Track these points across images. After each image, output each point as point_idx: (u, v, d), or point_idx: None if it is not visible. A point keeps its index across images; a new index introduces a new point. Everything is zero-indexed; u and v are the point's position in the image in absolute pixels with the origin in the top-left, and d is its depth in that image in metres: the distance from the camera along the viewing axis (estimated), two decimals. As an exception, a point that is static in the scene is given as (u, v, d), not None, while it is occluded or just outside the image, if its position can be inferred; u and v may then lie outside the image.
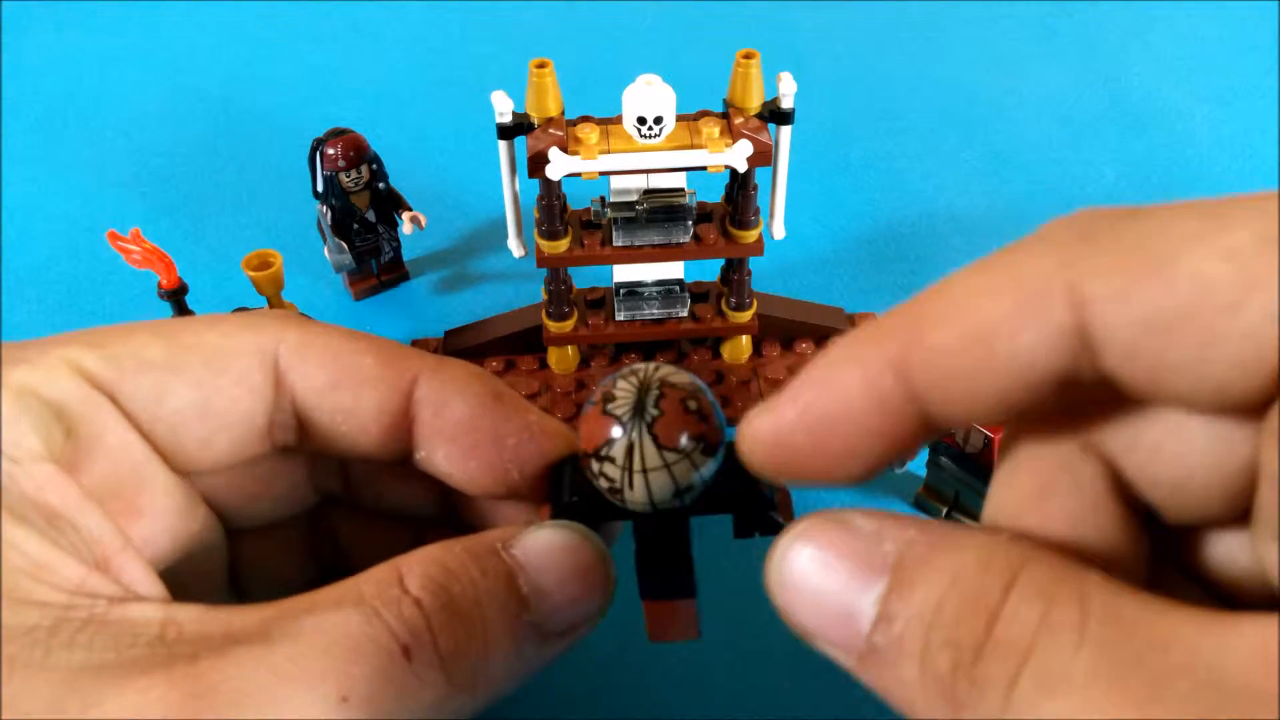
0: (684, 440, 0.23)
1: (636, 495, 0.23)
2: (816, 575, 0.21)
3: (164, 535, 0.25)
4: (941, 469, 0.41)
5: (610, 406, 0.23)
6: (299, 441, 0.27)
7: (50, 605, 0.20)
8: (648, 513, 0.24)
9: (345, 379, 0.26)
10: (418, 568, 0.22)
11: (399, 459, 0.27)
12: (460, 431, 0.26)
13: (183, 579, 0.25)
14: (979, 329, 0.20)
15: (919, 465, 0.42)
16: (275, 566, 0.30)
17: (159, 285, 0.43)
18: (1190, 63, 0.71)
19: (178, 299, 0.44)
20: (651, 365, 0.24)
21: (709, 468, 0.24)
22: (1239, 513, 0.20)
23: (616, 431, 0.23)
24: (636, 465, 0.23)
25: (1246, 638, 0.16)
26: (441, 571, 0.22)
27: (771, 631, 0.39)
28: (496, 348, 0.49)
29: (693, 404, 0.23)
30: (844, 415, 0.21)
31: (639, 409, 0.23)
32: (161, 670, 0.19)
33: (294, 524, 0.30)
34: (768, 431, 0.22)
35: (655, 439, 0.23)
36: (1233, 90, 0.68)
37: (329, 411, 0.26)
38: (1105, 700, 0.16)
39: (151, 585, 0.23)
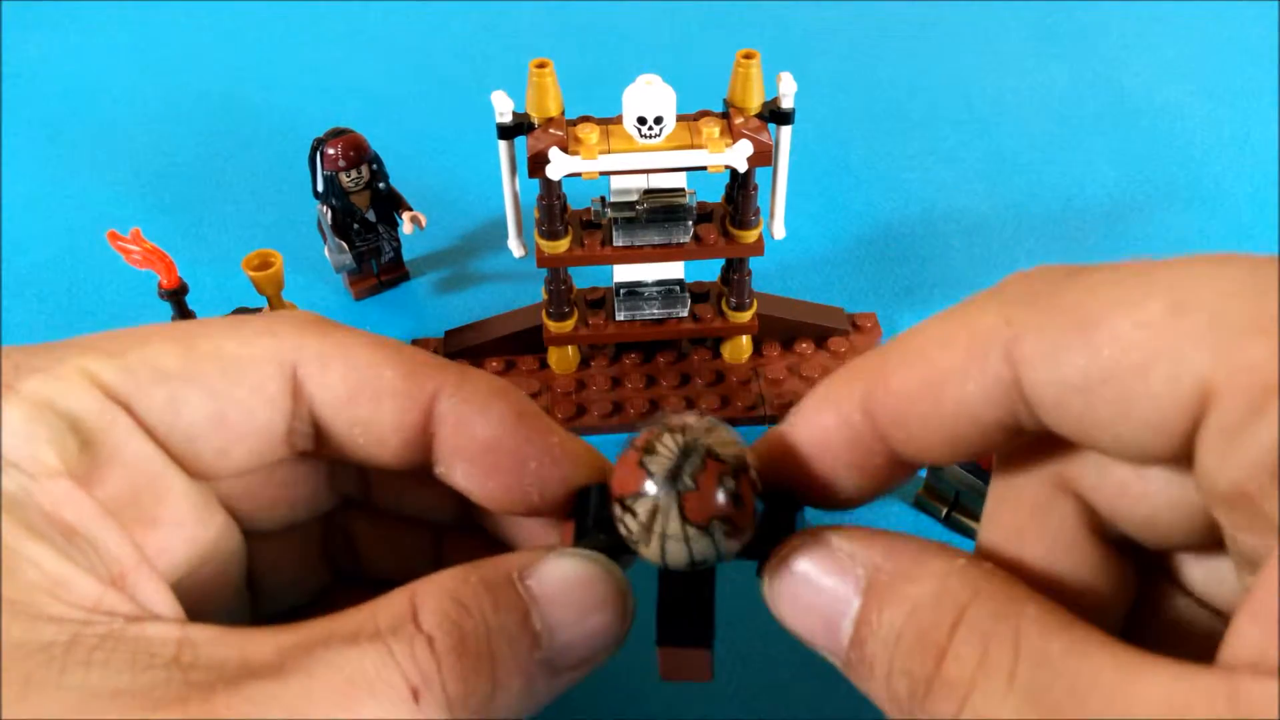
0: (712, 522, 0.22)
1: (652, 553, 0.23)
2: (804, 593, 0.23)
3: (181, 543, 0.25)
4: (941, 470, 0.41)
5: (647, 460, 0.22)
6: (317, 449, 0.27)
7: (66, 622, 0.20)
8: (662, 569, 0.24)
9: (364, 391, 0.25)
10: (431, 601, 0.22)
11: (418, 470, 0.27)
12: (480, 451, 0.26)
13: (200, 584, 0.25)
14: (932, 376, 0.22)
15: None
16: (291, 568, 0.30)
17: (159, 285, 0.43)
18: (1190, 62, 0.71)
19: (178, 299, 0.44)
20: (704, 423, 0.23)
21: (730, 547, 0.23)
22: (1215, 540, 0.21)
23: (648, 488, 0.22)
24: (657, 529, 0.22)
25: (1152, 685, 0.18)
26: (455, 607, 0.22)
27: (772, 631, 0.39)
28: (496, 348, 0.49)
29: (730, 484, 0.22)
30: (823, 450, 0.24)
31: (674, 475, 0.22)
32: (178, 704, 0.19)
33: (311, 526, 0.30)
34: (767, 460, 0.25)
35: (682, 511, 0.22)
36: (1232, 90, 0.68)
37: (347, 423, 0.26)
38: (1046, 692, 0.18)
39: (167, 603, 0.23)
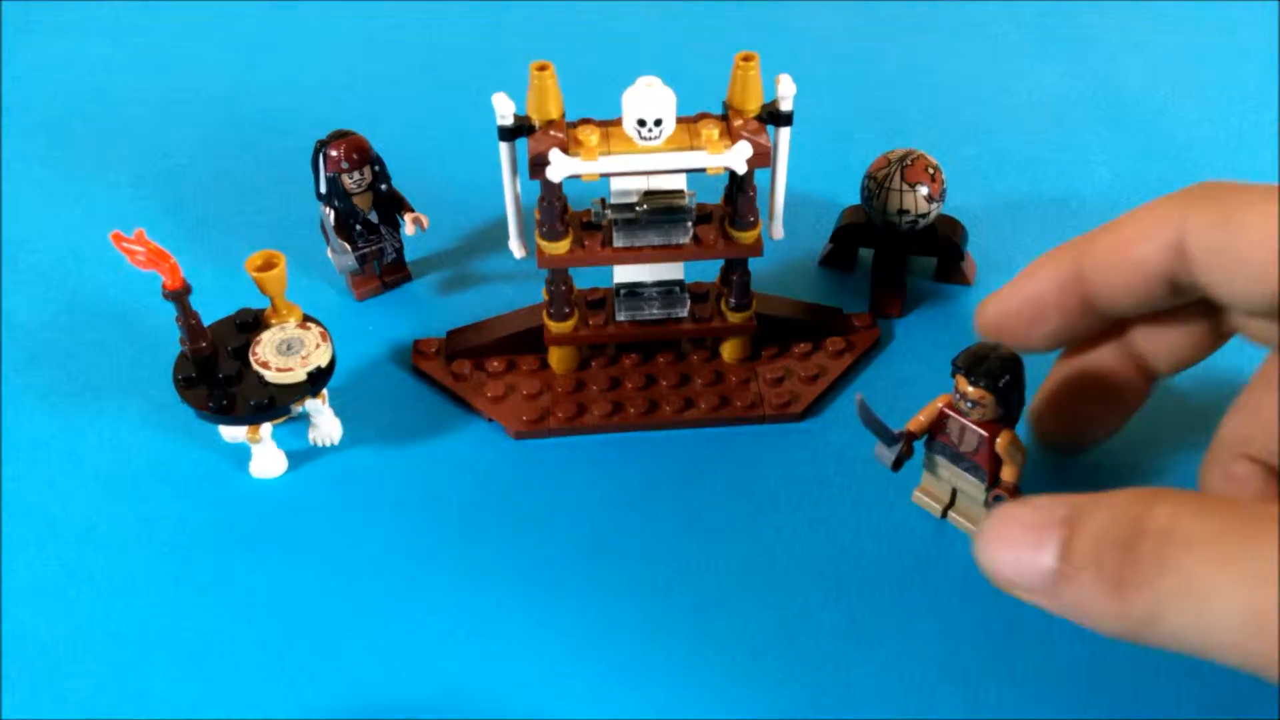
0: None
1: None
2: (1009, 541, 0.29)
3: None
4: (937, 469, 0.42)
5: None
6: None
7: None
8: None
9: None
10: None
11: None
12: None
13: None
14: (1126, 239, 0.34)
15: (916, 470, 0.42)
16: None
17: (163, 286, 0.44)
18: (1187, 63, 0.71)
19: (181, 299, 0.44)
20: None
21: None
22: None
23: None
24: None
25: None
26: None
27: (773, 629, 0.39)
28: (498, 348, 0.49)
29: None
30: (1041, 294, 0.37)
31: None
32: None
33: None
34: (994, 308, 0.38)
35: None
36: (1230, 91, 0.68)
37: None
38: (1226, 539, 0.25)
39: None
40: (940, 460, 0.41)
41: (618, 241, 0.45)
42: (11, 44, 0.75)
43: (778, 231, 0.47)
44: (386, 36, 0.75)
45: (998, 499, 0.39)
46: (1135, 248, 0.34)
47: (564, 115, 0.43)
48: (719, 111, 0.43)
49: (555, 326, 0.47)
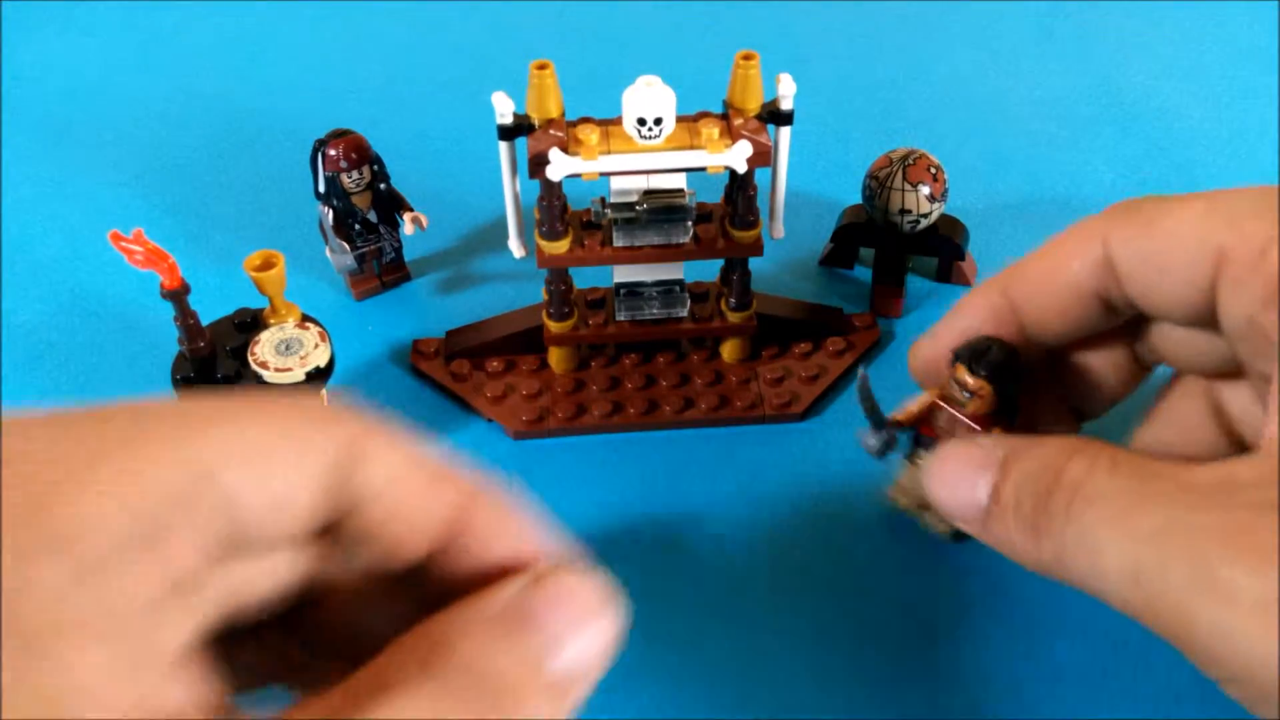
0: None
1: None
2: (948, 472, 0.31)
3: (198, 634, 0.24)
4: (920, 465, 0.41)
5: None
6: (333, 536, 0.26)
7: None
8: None
9: (413, 476, 0.25)
10: (445, 639, 0.23)
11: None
12: (497, 555, 0.26)
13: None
14: (1053, 263, 0.34)
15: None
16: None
17: (161, 286, 0.44)
18: (1188, 63, 0.71)
19: (180, 299, 0.44)
20: None
21: None
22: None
23: None
24: None
25: (1207, 469, 0.26)
26: (469, 641, 0.23)
27: (773, 632, 0.39)
28: (497, 348, 0.49)
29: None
30: (974, 329, 0.36)
31: None
32: None
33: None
34: (928, 350, 0.38)
35: None
36: (1230, 91, 0.68)
37: (387, 500, 0.25)
38: (1122, 498, 0.26)
39: (202, 693, 0.22)
40: (924, 455, 0.40)
41: (618, 241, 0.45)
42: (11, 43, 0.75)
43: (778, 231, 0.47)
44: (386, 36, 0.75)
45: None
46: (1064, 269, 0.33)
47: (564, 114, 0.43)
48: (719, 110, 0.43)
49: (555, 326, 0.47)
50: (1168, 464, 0.27)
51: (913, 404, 0.38)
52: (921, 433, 0.39)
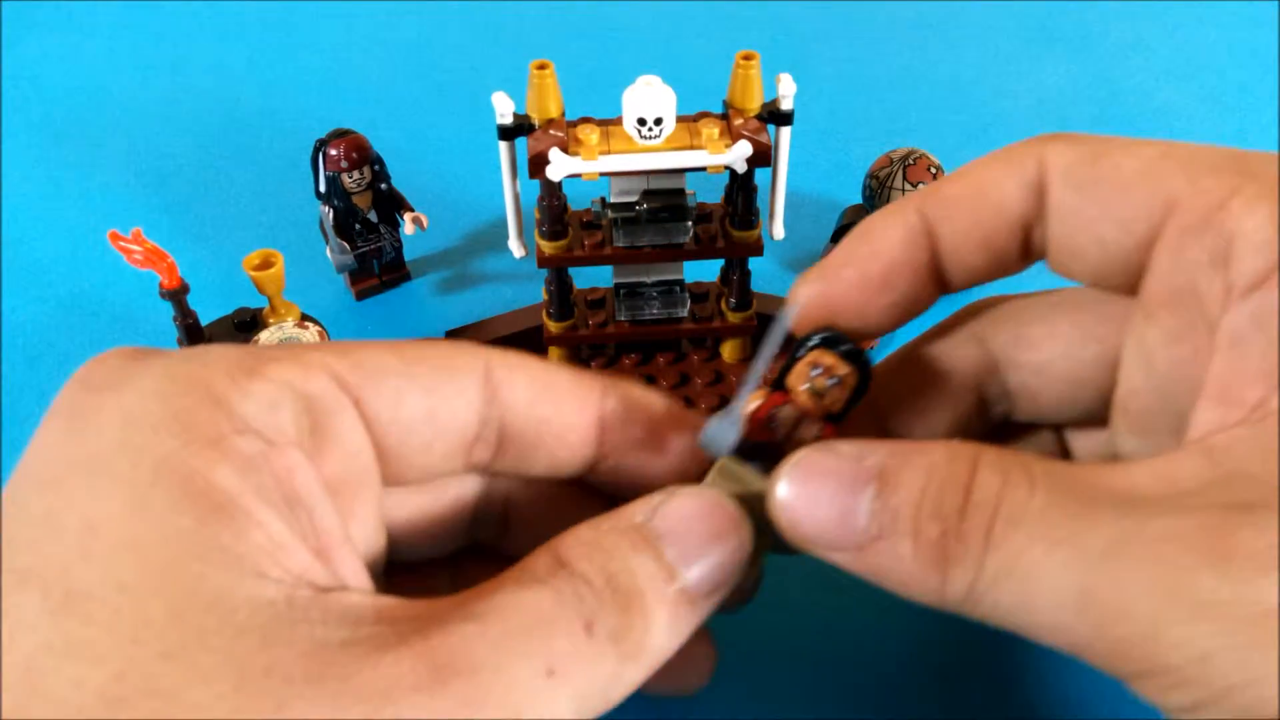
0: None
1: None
2: (815, 490, 0.25)
3: (362, 543, 0.27)
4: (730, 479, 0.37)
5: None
6: (492, 459, 0.29)
7: (283, 584, 0.21)
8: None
9: (545, 393, 0.29)
10: (576, 551, 0.24)
11: (583, 471, 0.30)
12: (648, 435, 0.29)
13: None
14: (980, 182, 0.29)
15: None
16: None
17: (160, 285, 0.44)
18: (1188, 64, 0.71)
19: (179, 299, 0.44)
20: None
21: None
22: (1098, 416, 0.30)
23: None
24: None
25: (1141, 470, 0.23)
26: (598, 553, 0.24)
27: (772, 629, 0.39)
28: (497, 347, 0.49)
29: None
30: (885, 252, 0.29)
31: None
32: (404, 646, 0.21)
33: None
34: (825, 280, 0.30)
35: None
36: (1231, 91, 0.68)
37: (534, 423, 0.28)
38: (1056, 516, 0.22)
39: (360, 578, 0.24)
40: (742, 467, 0.28)
41: (618, 241, 0.45)
42: (11, 43, 0.75)
43: (778, 231, 0.47)
44: (386, 36, 0.75)
45: None
46: (993, 188, 0.29)
47: (564, 114, 0.43)
48: (719, 110, 0.43)
49: (555, 326, 0.47)
50: (1087, 469, 0.24)
51: (762, 399, 0.30)
52: (747, 438, 0.29)
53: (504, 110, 0.42)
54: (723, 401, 0.47)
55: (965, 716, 0.37)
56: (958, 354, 0.32)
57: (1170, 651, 0.21)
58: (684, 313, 0.48)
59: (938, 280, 0.30)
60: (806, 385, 0.29)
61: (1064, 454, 0.34)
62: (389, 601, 0.23)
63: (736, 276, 0.47)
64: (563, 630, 0.23)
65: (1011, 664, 0.38)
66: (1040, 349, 0.31)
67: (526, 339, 0.49)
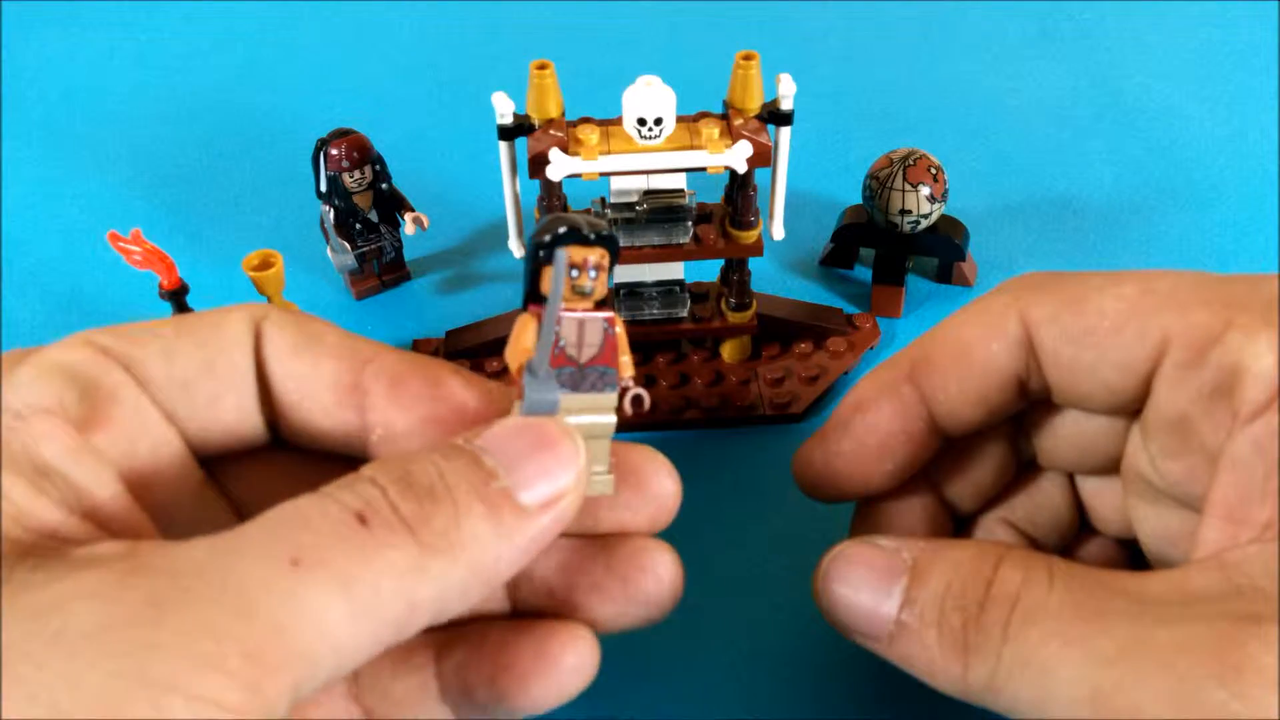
0: None
1: None
2: (854, 580, 0.28)
3: (175, 500, 0.26)
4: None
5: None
6: (275, 418, 0.28)
7: (20, 541, 0.21)
8: None
9: (306, 346, 0.28)
10: (377, 463, 0.24)
11: (350, 441, 0.28)
12: (414, 400, 0.27)
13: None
14: (963, 345, 0.30)
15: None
16: None
17: (160, 285, 0.44)
18: (1189, 63, 0.71)
19: (179, 299, 0.44)
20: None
21: None
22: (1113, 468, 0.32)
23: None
24: None
25: (1157, 578, 0.24)
26: (400, 461, 0.23)
27: (771, 630, 0.39)
28: (497, 348, 0.49)
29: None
30: (881, 424, 0.31)
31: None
32: (101, 566, 0.20)
33: None
34: (828, 454, 0.33)
35: None
36: (1231, 91, 0.68)
37: (287, 377, 0.28)
38: (1071, 615, 0.24)
39: (139, 529, 0.24)
40: (557, 397, 0.27)
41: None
42: (11, 42, 0.75)
43: (778, 231, 0.47)
44: (386, 36, 0.75)
45: (636, 399, 0.28)
46: (980, 351, 0.29)
47: (564, 114, 0.43)
48: (719, 110, 0.43)
49: (555, 326, 0.47)
50: (1105, 572, 0.25)
51: (523, 335, 0.27)
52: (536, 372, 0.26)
53: (504, 110, 0.42)
54: (722, 403, 0.47)
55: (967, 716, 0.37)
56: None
57: None
58: (684, 313, 0.48)
59: (937, 437, 0.32)
60: (577, 288, 0.28)
61: (1075, 500, 0.35)
62: (153, 543, 0.21)
63: (736, 277, 0.47)
64: (319, 524, 0.21)
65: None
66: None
67: (526, 339, 0.49)
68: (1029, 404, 0.31)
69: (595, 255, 0.27)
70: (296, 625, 0.20)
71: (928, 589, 0.26)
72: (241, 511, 0.28)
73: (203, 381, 0.27)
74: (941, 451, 0.33)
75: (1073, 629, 0.23)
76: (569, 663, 0.27)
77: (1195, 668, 0.21)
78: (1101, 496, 0.34)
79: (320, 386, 0.27)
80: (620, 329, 0.28)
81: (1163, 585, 0.24)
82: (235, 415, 0.27)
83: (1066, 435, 0.32)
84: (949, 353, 0.30)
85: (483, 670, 0.27)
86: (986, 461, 0.34)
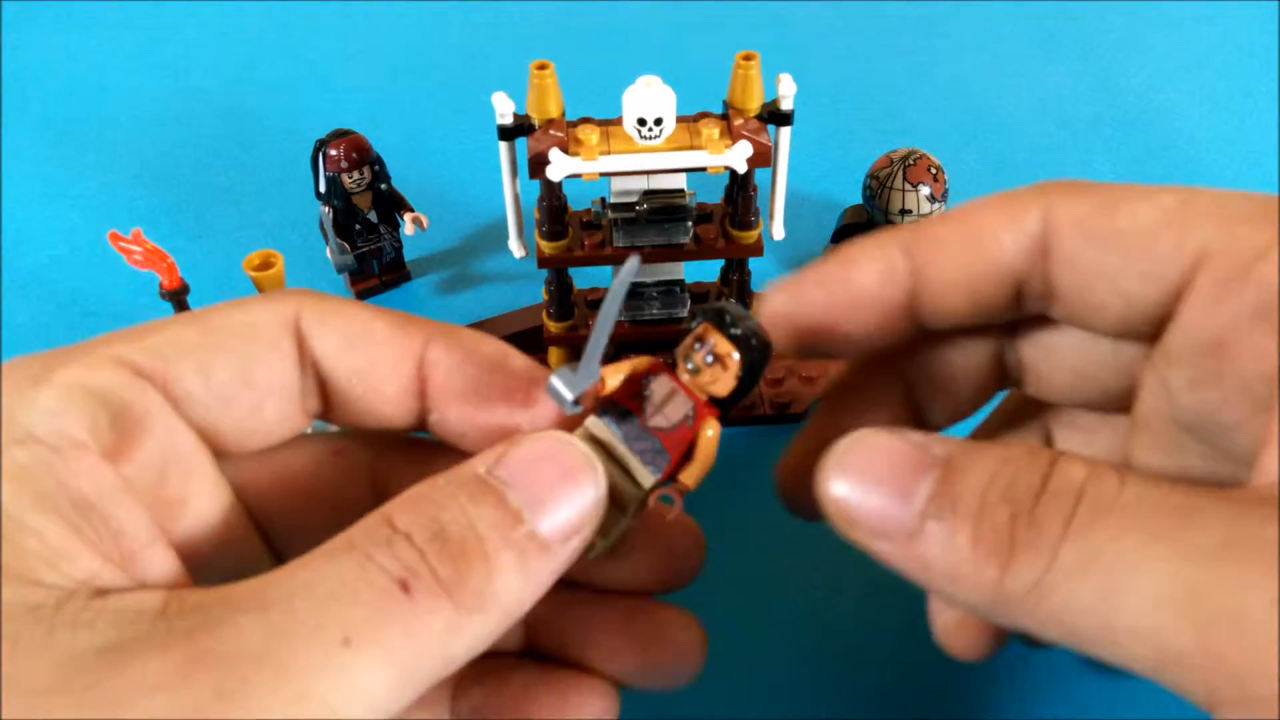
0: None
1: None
2: (871, 468, 0.23)
3: (210, 533, 0.26)
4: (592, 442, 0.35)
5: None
6: (325, 411, 0.28)
7: (57, 589, 0.20)
8: None
9: (359, 341, 0.27)
10: (404, 506, 0.23)
11: (413, 424, 0.28)
12: (472, 389, 0.27)
13: (222, 572, 0.25)
14: (974, 228, 0.27)
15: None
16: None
17: (160, 286, 0.44)
18: (1188, 64, 0.71)
19: (179, 299, 0.44)
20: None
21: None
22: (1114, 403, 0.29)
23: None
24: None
25: (1239, 489, 0.21)
26: (429, 505, 0.23)
27: (771, 632, 0.39)
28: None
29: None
30: (860, 282, 0.28)
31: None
32: (158, 650, 0.20)
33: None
34: (790, 294, 0.29)
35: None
36: (1231, 91, 0.68)
37: (346, 374, 0.27)
38: (1153, 510, 0.20)
39: (171, 573, 0.23)
40: (607, 430, 0.27)
41: (618, 241, 0.45)
42: (11, 42, 0.75)
43: (778, 231, 0.47)
44: (386, 36, 0.75)
45: (665, 499, 0.28)
46: (989, 241, 0.27)
47: (564, 114, 0.43)
48: (719, 110, 0.43)
49: (555, 326, 0.47)
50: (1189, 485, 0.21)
51: (624, 364, 0.28)
52: (616, 402, 0.27)
53: (504, 110, 0.42)
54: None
55: (966, 716, 0.37)
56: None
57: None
58: (684, 313, 0.48)
59: (911, 319, 0.28)
60: (688, 360, 0.27)
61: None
62: (190, 593, 0.21)
63: (736, 277, 0.47)
64: (366, 595, 0.21)
65: (1010, 665, 0.38)
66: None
67: (526, 339, 0.49)
68: (1020, 318, 0.29)
69: (723, 346, 0.26)
70: (348, 703, 0.20)
71: (965, 482, 0.22)
72: (268, 521, 0.28)
73: (241, 394, 0.26)
74: (922, 355, 0.30)
75: (1159, 523, 0.20)
76: (589, 717, 0.27)
77: None
78: (1090, 432, 0.31)
79: (380, 379, 0.27)
80: (711, 433, 0.27)
81: (1251, 493, 0.21)
82: (276, 419, 0.27)
83: (1063, 359, 0.30)
84: (955, 229, 0.27)
85: (502, 714, 0.27)
86: (970, 376, 0.31)
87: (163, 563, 0.23)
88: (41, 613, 0.20)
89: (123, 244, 0.42)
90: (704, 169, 0.41)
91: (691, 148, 0.41)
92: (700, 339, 0.27)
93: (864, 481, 0.23)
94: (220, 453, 0.26)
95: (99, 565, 0.21)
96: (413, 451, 0.29)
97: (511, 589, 0.23)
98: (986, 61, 0.72)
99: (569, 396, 0.25)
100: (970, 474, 0.22)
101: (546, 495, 0.24)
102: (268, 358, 0.26)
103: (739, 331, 0.26)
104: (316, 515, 0.28)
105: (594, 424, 0.26)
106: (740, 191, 0.44)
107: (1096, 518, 0.20)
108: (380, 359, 0.27)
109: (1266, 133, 0.64)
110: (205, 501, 0.25)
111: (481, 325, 0.50)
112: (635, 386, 0.27)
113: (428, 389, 0.27)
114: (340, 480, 0.29)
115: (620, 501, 0.26)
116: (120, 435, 0.23)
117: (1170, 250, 0.24)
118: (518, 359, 0.28)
